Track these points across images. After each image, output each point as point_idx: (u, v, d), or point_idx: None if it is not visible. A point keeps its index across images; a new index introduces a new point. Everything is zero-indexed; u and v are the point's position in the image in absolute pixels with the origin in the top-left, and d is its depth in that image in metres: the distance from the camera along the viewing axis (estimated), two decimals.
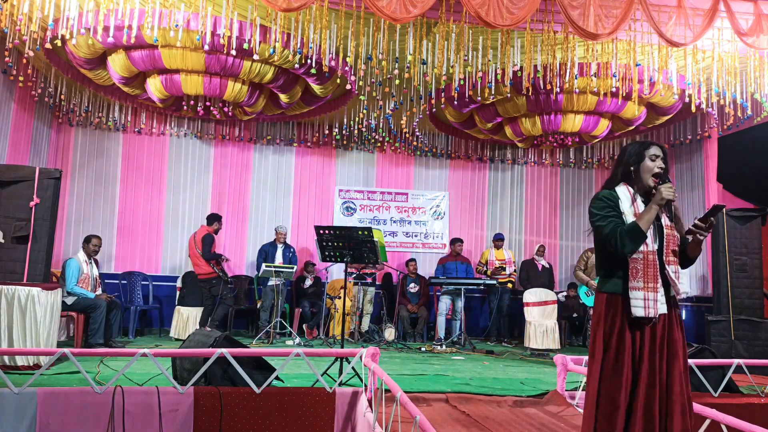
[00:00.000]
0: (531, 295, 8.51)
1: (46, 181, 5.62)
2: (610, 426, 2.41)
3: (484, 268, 9.15)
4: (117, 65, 6.68)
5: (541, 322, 8.18)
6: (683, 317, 8.79)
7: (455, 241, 9.06)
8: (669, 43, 5.58)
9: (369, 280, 8.52)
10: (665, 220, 2.57)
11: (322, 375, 3.96)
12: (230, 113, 7.67)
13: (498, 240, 9.32)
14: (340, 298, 8.34)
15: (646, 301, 2.45)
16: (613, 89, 6.61)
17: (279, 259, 8.37)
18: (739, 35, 5.61)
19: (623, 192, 2.60)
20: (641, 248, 2.49)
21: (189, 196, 9.29)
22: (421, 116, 8.61)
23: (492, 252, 9.27)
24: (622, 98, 7.24)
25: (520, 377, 5.59)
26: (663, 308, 2.46)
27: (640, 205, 2.57)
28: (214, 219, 8.04)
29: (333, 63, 6.54)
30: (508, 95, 7.29)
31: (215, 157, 9.51)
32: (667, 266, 2.51)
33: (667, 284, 2.51)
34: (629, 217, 2.52)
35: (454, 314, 8.67)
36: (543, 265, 9.31)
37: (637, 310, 2.44)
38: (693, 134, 8.49)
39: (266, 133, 9.60)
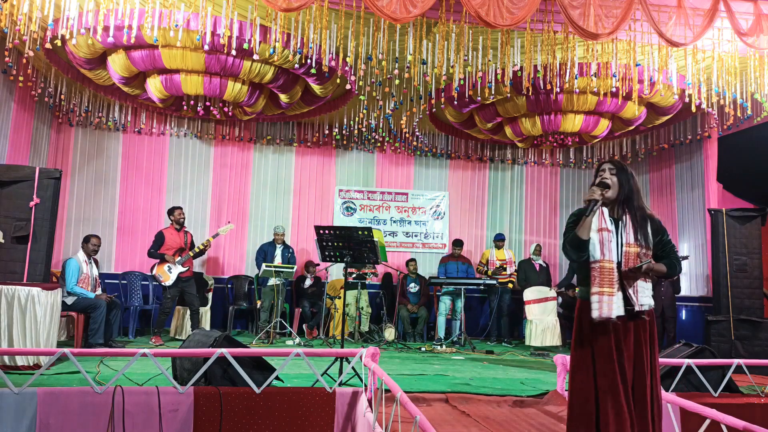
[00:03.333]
0: (530, 292, 8.52)
1: (46, 181, 5.62)
2: (583, 417, 2.68)
3: (485, 268, 9.15)
4: (117, 65, 6.67)
5: (541, 319, 8.22)
6: (683, 317, 8.81)
7: (455, 244, 9.08)
8: (669, 43, 5.58)
9: (368, 281, 8.52)
10: (627, 238, 2.77)
11: (322, 375, 3.96)
12: (230, 113, 7.67)
13: (499, 240, 9.32)
14: (340, 298, 8.35)
15: (600, 303, 2.68)
16: (613, 89, 6.60)
17: (278, 259, 8.37)
18: (739, 35, 5.61)
19: None
20: (598, 257, 2.74)
21: (189, 196, 9.29)
22: (421, 116, 8.61)
23: (493, 252, 9.28)
24: (622, 98, 7.23)
25: (520, 377, 5.59)
26: (619, 310, 2.67)
27: (607, 219, 2.79)
28: (168, 213, 7.85)
29: (333, 63, 6.54)
30: (508, 95, 7.28)
31: (215, 157, 9.51)
32: (624, 280, 2.73)
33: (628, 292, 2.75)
34: (594, 231, 2.78)
35: (454, 314, 8.66)
36: (540, 264, 9.33)
37: (594, 312, 2.68)
38: (693, 134, 8.49)
39: (266, 133, 9.60)
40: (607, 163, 2.89)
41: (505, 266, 9.16)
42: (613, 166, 2.87)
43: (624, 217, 2.82)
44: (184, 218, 7.78)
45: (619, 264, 2.75)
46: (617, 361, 2.66)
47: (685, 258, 6.39)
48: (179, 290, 7.56)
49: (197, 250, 7.72)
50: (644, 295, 2.76)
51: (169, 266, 7.47)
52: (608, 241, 2.74)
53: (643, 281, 2.77)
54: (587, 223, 2.75)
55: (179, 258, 7.52)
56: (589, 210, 2.76)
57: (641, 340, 2.73)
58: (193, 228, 8.88)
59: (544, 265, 9.45)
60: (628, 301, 2.71)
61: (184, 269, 7.54)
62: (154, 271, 7.55)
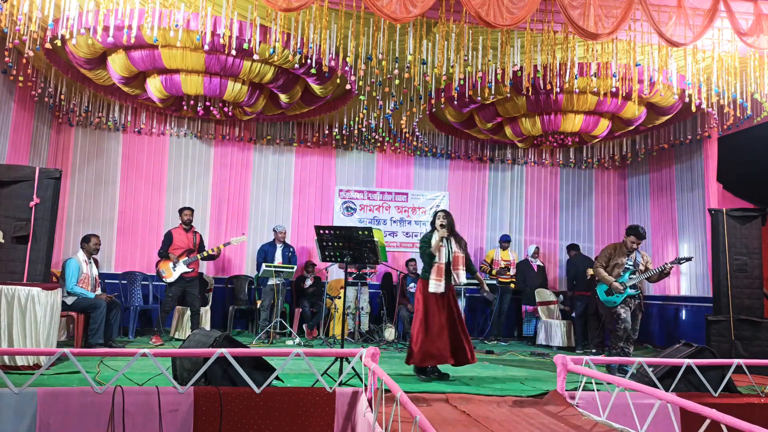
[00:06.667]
0: (538, 295, 9.17)
1: (46, 181, 5.62)
2: (423, 344, 5.17)
3: (489, 268, 9.20)
4: (117, 65, 6.67)
5: (549, 320, 8.88)
6: (683, 317, 8.86)
7: None
8: (669, 43, 5.57)
9: (368, 280, 8.54)
10: (455, 249, 5.35)
11: (322, 375, 3.96)
12: (230, 113, 7.67)
13: (504, 241, 9.41)
14: (340, 298, 8.34)
15: (437, 285, 5.24)
16: (613, 89, 6.60)
17: (278, 258, 8.37)
18: (739, 35, 5.60)
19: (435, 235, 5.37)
20: (437, 261, 5.27)
21: (189, 196, 9.29)
22: (421, 116, 8.60)
23: (498, 252, 9.35)
24: (622, 98, 7.23)
25: (520, 377, 5.60)
26: (442, 289, 5.24)
27: (443, 241, 5.34)
28: (179, 213, 7.93)
29: (333, 63, 6.54)
30: (508, 95, 7.28)
31: (215, 157, 9.51)
32: (453, 271, 5.31)
33: (450, 277, 5.33)
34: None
35: None
36: (538, 265, 9.45)
37: (431, 288, 5.25)
38: (693, 134, 8.49)
39: (266, 133, 9.60)
40: (441, 212, 5.44)
41: (509, 267, 9.22)
42: (444, 213, 5.40)
43: (451, 239, 5.36)
44: (190, 219, 7.80)
45: (448, 263, 5.30)
46: (439, 311, 5.26)
47: (689, 259, 6.38)
48: (181, 289, 7.57)
49: (206, 254, 7.73)
50: (462, 279, 5.33)
51: (173, 264, 7.49)
52: (443, 252, 5.30)
53: (462, 271, 5.32)
54: (435, 246, 5.26)
55: (185, 258, 7.54)
56: (460, 244, 5.40)
57: (451, 298, 5.35)
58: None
59: (542, 265, 9.56)
60: (449, 283, 5.33)
61: (188, 269, 7.55)
62: (157, 267, 7.57)
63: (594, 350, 7.97)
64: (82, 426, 3.27)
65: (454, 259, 5.30)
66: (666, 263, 6.09)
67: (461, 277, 5.30)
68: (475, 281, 8.59)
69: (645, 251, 6.84)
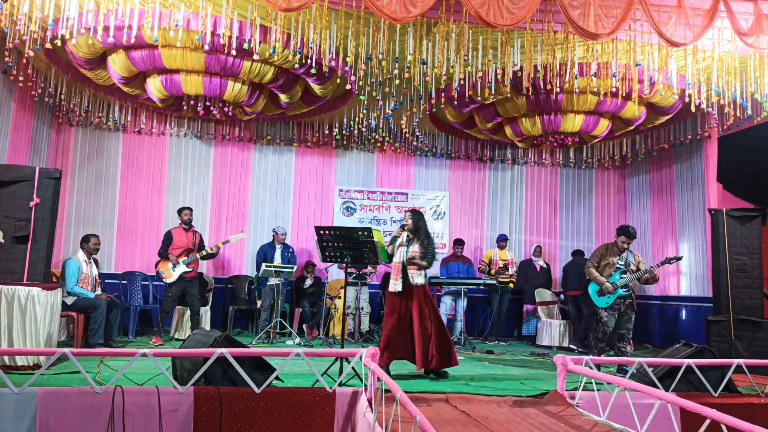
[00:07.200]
0: (538, 296, 9.10)
1: (46, 181, 5.62)
2: (387, 340, 5.23)
3: (487, 268, 9.20)
4: (117, 65, 6.67)
5: (549, 320, 8.84)
6: (683, 317, 8.86)
7: (457, 243, 9.12)
8: (669, 43, 5.57)
9: (368, 280, 8.54)
10: (414, 248, 5.36)
11: (322, 375, 3.96)
12: (230, 113, 7.66)
13: (502, 240, 9.40)
14: (340, 298, 8.34)
15: (394, 284, 5.33)
16: (613, 89, 6.60)
17: (278, 259, 8.36)
18: (739, 35, 5.61)
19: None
20: (395, 259, 5.41)
21: (189, 196, 9.29)
22: (421, 116, 8.60)
23: (496, 252, 9.34)
24: (622, 98, 7.23)
25: (520, 377, 5.60)
26: (399, 288, 5.30)
27: (404, 239, 5.46)
28: (178, 213, 7.95)
29: (333, 63, 6.54)
30: (508, 95, 7.28)
31: (215, 157, 9.51)
32: (408, 269, 5.35)
33: (407, 276, 5.34)
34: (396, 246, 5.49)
35: (455, 314, 8.69)
36: (541, 266, 9.42)
37: (390, 287, 5.37)
38: (693, 134, 8.49)
39: (266, 133, 9.60)
40: (408, 212, 5.53)
41: (508, 266, 9.22)
42: (410, 213, 5.48)
43: (414, 238, 5.40)
44: (189, 219, 7.80)
45: (404, 262, 5.33)
46: (394, 310, 5.30)
47: (679, 259, 6.39)
48: (181, 290, 7.56)
49: (204, 254, 7.73)
50: (417, 276, 5.33)
51: (172, 264, 7.49)
52: (401, 251, 5.40)
53: (416, 270, 5.33)
54: (394, 247, 5.47)
55: (185, 258, 7.53)
56: (421, 244, 5.39)
57: (416, 302, 5.27)
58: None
59: (545, 266, 9.53)
60: (407, 281, 5.32)
61: (188, 269, 7.54)
62: (157, 267, 7.57)
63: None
64: (82, 426, 3.27)
65: (409, 259, 5.36)
66: (652, 266, 6.08)
67: (415, 278, 5.31)
68: (477, 281, 8.77)
69: (639, 252, 6.84)
